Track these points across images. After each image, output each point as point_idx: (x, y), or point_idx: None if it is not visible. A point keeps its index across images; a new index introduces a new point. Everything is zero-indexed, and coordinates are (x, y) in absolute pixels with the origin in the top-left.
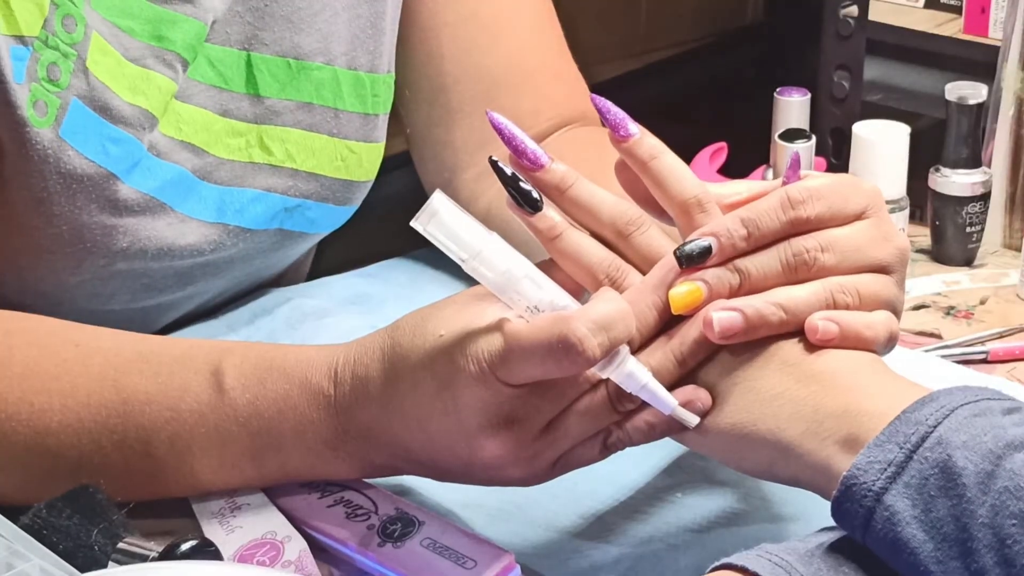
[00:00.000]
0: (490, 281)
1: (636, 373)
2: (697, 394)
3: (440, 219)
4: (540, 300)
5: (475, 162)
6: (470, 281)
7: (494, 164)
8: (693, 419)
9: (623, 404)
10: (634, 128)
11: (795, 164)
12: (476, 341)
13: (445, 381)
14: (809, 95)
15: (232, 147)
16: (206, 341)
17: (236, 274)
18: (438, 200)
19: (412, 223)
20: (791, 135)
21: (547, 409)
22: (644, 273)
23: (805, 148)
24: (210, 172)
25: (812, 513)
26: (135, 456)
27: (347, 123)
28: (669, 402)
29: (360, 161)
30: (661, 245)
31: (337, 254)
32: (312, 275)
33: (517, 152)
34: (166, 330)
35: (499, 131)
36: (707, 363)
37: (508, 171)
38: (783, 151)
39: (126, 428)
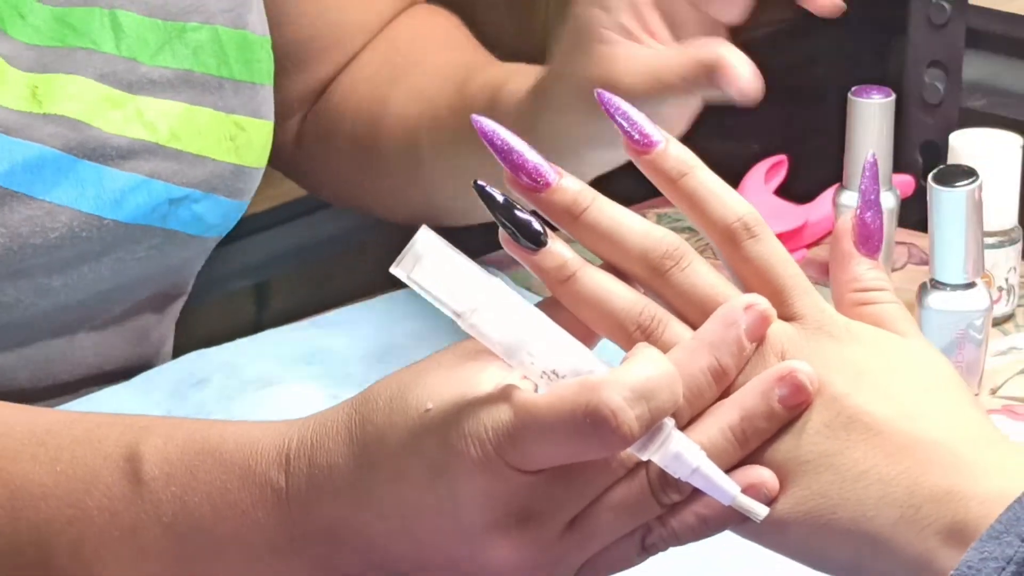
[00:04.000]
0: (494, 342)
1: (685, 454)
2: (761, 477)
3: (426, 264)
4: (560, 364)
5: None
6: (461, 332)
7: (480, 190)
8: (761, 509)
9: (668, 494)
10: (657, 135)
11: (870, 179)
12: (476, 416)
13: (438, 469)
14: (893, 96)
15: (113, 121)
16: (118, 417)
17: (89, 291)
18: (423, 240)
19: (392, 269)
20: (949, 175)
21: (571, 502)
22: (689, 321)
23: (969, 191)
24: (94, 149)
25: None
26: (27, 565)
27: (233, 94)
28: (729, 489)
29: (250, 141)
30: (710, 284)
31: (286, 298)
32: (255, 327)
33: (514, 168)
34: None
35: (488, 140)
36: (771, 437)
37: (499, 198)
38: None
39: (16, 530)
